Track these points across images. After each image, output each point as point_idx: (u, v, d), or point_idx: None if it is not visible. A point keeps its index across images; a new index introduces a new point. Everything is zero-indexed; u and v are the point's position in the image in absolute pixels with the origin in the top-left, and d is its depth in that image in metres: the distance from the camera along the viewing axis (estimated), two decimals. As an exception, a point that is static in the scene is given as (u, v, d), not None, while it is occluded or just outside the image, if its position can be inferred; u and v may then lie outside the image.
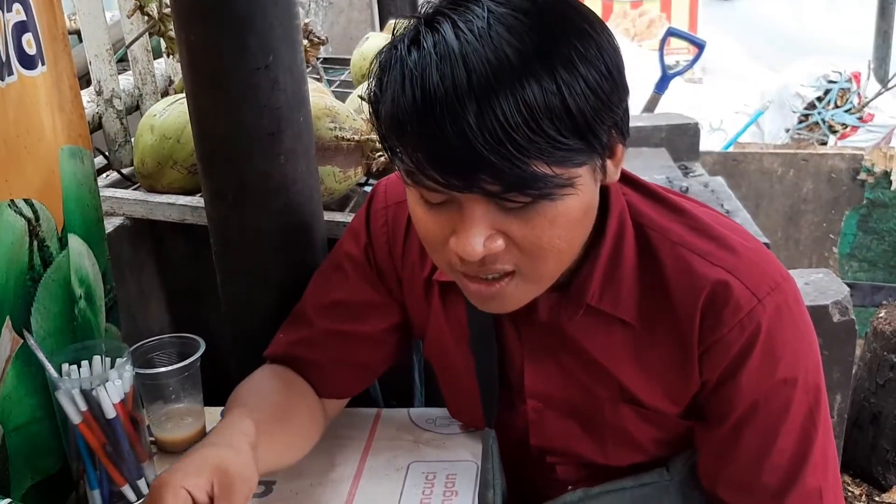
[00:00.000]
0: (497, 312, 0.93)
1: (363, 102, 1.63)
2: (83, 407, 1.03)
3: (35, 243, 1.07)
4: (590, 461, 1.07)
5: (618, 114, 0.82)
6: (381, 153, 1.57)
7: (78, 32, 1.67)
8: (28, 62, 1.07)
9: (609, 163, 0.86)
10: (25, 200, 1.05)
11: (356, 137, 1.50)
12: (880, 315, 2.45)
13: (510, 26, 0.76)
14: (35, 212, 1.07)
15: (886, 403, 2.37)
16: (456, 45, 0.76)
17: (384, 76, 0.82)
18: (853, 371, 1.97)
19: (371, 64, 0.85)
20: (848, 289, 1.70)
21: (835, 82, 4.66)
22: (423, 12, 0.83)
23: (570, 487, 1.08)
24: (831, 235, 3.56)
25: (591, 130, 0.78)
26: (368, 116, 0.88)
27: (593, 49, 0.79)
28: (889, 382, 2.35)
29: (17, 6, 1.05)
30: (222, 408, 1.25)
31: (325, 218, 1.35)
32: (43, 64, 1.10)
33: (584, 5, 0.83)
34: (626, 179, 1.00)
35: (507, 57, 0.75)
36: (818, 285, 1.70)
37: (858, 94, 4.66)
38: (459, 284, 0.92)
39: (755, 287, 0.92)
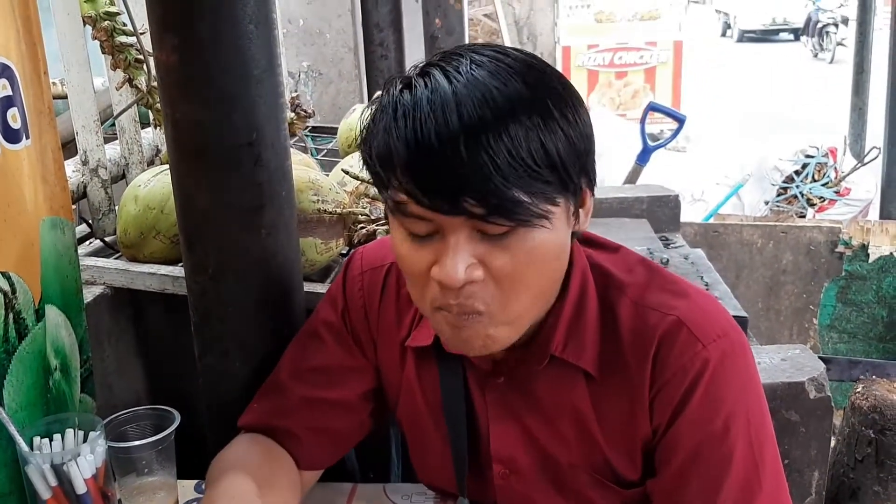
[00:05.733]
0: (468, 353, 0.97)
1: (346, 176, 1.66)
2: (53, 482, 1.01)
3: (10, 316, 1.07)
4: None
5: (587, 162, 0.90)
6: (362, 225, 1.59)
7: (64, 97, 1.69)
8: (12, 136, 1.08)
9: (580, 211, 0.93)
10: (2, 273, 1.05)
11: (338, 210, 1.52)
12: (857, 390, 2.45)
13: (496, 72, 0.85)
14: (11, 284, 1.07)
15: (865, 479, 2.36)
16: (447, 84, 0.84)
17: (377, 114, 0.88)
18: (832, 446, 1.97)
19: (361, 114, 0.92)
20: (824, 365, 1.71)
21: (812, 157, 4.75)
22: (414, 68, 0.90)
23: None
24: (811, 307, 3.59)
25: (563, 167, 0.86)
26: (360, 152, 0.93)
27: (565, 102, 0.88)
28: (867, 458, 2.34)
29: (3, 81, 1.07)
30: (196, 481, 1.24)
31: (306, 289, 1.35)
32: (27, 138, 1.11)
33: (557, 70, 0.92)
34: (590, 241, 1.06)
35: (494, 98, 0.83)
36: (794, 361, 1.70)
37: (835, 168, 4.75)
38: (434, 322, 0.96)
39: (701, 333, 0.95)
